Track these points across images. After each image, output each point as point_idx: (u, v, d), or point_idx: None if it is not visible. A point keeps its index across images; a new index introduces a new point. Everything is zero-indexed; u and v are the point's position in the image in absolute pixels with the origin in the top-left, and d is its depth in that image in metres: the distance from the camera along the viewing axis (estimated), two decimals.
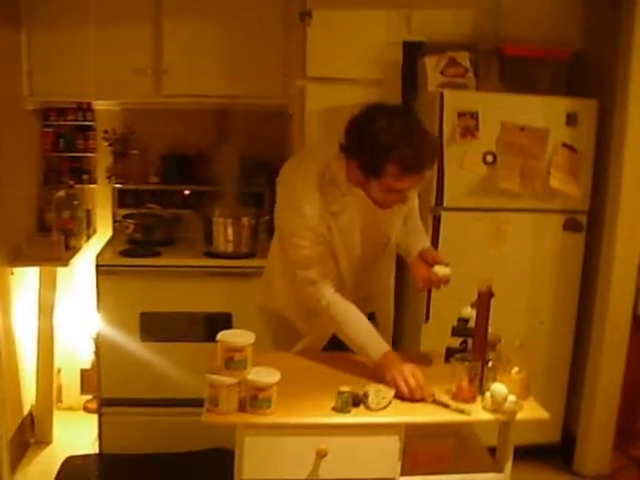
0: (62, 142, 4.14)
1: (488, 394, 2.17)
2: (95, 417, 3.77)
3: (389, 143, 2.24)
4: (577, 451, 3.75)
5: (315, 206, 2.43)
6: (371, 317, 2.73)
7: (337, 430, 2.13)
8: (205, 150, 4.21)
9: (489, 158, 3.47)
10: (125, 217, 4.03)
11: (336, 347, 2.64)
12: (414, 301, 3.63)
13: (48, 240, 3.68)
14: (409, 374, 2.26)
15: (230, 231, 3.67)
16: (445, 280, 2.46)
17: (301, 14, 3.48)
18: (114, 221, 4.19)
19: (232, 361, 2.08)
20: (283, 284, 2.73)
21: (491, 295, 2.30)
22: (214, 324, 3.44)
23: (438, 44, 3.61)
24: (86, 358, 4.22)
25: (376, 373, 2.33)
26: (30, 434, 3.84)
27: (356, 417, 2.13)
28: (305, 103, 3.55)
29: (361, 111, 2.35)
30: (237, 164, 3.99)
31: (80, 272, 4.07)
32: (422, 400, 2.23)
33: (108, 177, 4.19)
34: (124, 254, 3.70)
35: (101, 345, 3.64)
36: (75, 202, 3.93)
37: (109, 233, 4.18)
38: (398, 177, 2.27)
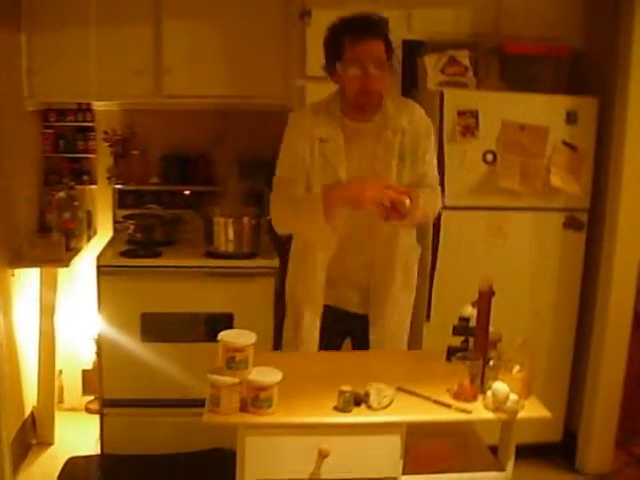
0: (62, 143, 4.15)
1: (489, 393, 2.17)
2: (97, 418, 3.77)
3: (342, 23, 2.60)
4: (579, 449, 3.75)
5: (302, 126, 2.71)
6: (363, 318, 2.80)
7: (339, 430, 2.13)
8: (205, 150, 4.21)
9: (489, 157, 3.47)
10: (126, 218, 4.04)
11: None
12: (415, 300, 3.63)
13: (49, 241, 3.68)
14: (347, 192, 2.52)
15: (231, 231, 3.66)
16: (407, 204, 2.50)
17: (300, 14, 3.48)
18: (115, 222, 4.18)
19: (233, 361, 2.09)
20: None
21: (492, 294, 2.30)
22: (215, 324, 3.44)
23: (438, 43, 3.62)
24: (87, 359, 4.22)
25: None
26: (32, 435, 3.84)
27: (358, 416, 2.13)
28: (305, 102, 3.55)
29: None
30: (237, 164, 4.00)
31: (81, 273, 4.08)
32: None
33: (108, 178, 4.19)
34: (125, 255, 3.70)
35: (102, 346, 3.63)
36: (75, 203, 3.93)
37: (110, 234, 4.18)
38: (353, 45, 2.53)
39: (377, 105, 2.65)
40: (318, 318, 2.81)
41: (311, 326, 2.81)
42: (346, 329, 2.92)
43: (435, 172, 2.84)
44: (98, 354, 3.74)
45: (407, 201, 2.49)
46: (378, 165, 2.65)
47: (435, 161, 2.85)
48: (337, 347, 2.94)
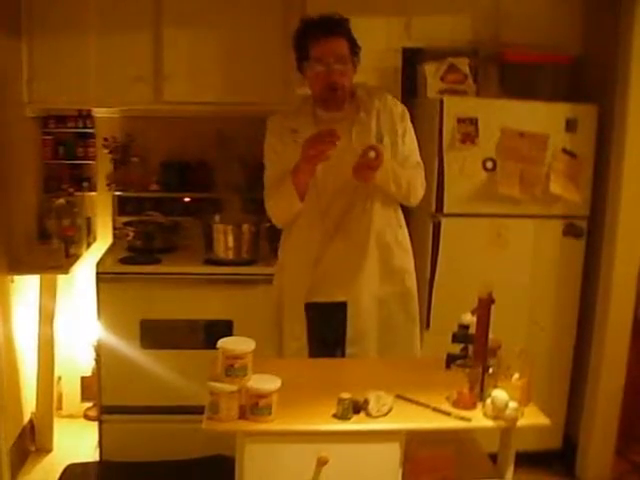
0: (62, 149, 4.14)
1: (489, 400, 2.16)
2: (95, 425, 3.76)
3: (306, 25, 2.79)
4: (578, 457, 3.75)
5: (276, 125, 2.87)
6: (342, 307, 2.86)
7: (338, 437, 2.13)
8: (205, 157, 4.21)
9: (489, 164, 3.47)
10: (125, 224, 4.03)
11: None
12: None
13: (48, 248, 3.68)
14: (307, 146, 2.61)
15: (230, 238, 3.66)
16: (371, 155, 2.61)
17: (300, 20, 3.48)
18: (114, 228, 4.18)
19: (232, 368, 2.09)
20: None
21: (491, 301, 2.30)
22: (215, 331, 3.44)
23: (438, 50, 3.63)
24: (86, 365, 4.21)
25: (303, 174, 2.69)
26: (30, 442, 3.84)
27: (357, 424, 2.12)
28: None
29: None
30: (237, 171, 4.00)
31: (80, 280, 4.07)
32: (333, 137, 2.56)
33: (108, 184, 4.19)
34: (124, 262, 3.70)
35: (101, 352, 3.63)
36: (75, 210, 3.93)
37: (109, 241, 4.18)
38: (316, 44, 2.71)
39: (343, 99, 2.79)
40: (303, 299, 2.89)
41: (297, 304, 2.89)
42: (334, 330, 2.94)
43: (417, 157, 2.90)
44: (97, 361, 3.73)
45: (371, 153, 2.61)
46: (356, 147, 2.70)
47: (415, 145, 2.90)
48: (329, 346, 2.96)
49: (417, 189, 2.86)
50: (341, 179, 2.76)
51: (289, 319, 2.91)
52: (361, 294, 2.86)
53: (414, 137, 2.90)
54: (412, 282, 2.97)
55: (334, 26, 2.73)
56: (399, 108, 2.88)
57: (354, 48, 2.77)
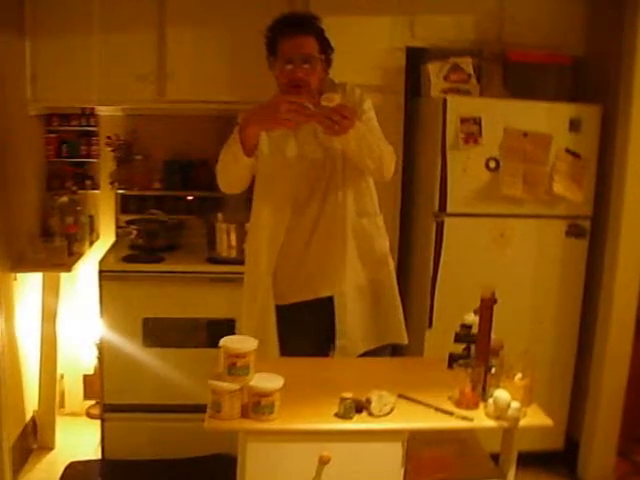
0: (65, 148, 4.14)
1: (491, 400, 2.16)
2: (98, 423, 3.76)
3: (276, 22, 2.76)
4: (580, 457, 3.74)
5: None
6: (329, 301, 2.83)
7: (340, 436, 2.12)
8: (209, 156, 4.20)
9: (492, 164, 3.47)
10: (128, 223, 4.04)
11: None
12: (417, 307, 3.63)
13: (51, 246, 3.68)
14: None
15: (233, 237, 3.67)
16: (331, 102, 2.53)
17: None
18: (117, 227, 4.18)
19: (235, 367, 2.09)
20: None
21: (494, 301, 2.30)
22: (217, 330, 3.43)
23: (441, 50, 3.63)
24: (89, 364, 4.22)
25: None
26: (32, 440, 3.84)
27: (359, 423, 2.12)
28: None
29: None
30: None
31: (83, 278, 4.07)
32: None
33: (111, 183, 4.19)
34: (127, 260, 3.70)
35: (104, 350, 3.63)
36: (78, 208, 3.93)
37: (112, 239, 4.18)
38: (284, 41, 2.69)
39: (308, 96, 2.70)
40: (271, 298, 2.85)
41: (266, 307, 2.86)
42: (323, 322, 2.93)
43: (380, 132, 2.81)
44: (99, 359, 3.74)
45: (335, 96, 2.54)
46: (321, 135, 2.69)
47: (377, 125, 2.82)
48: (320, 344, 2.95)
49: (389, 160, 2.75)
50: (313, 173, 2.77)
51: (259, 325, 2.87)
52: (346, 287, 2.84)
53: (374, 117, 2.84)
54: (392, 265, 2.97)
55: (303, 24, 2.73)
56: (357, 93, 2.84)
57: (325, 48, 2.75)
